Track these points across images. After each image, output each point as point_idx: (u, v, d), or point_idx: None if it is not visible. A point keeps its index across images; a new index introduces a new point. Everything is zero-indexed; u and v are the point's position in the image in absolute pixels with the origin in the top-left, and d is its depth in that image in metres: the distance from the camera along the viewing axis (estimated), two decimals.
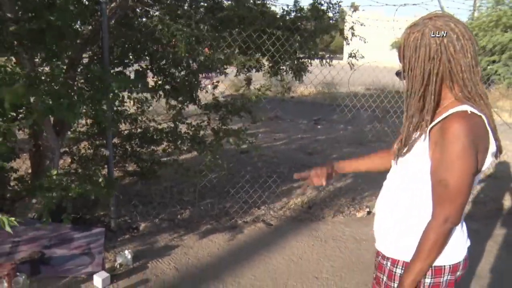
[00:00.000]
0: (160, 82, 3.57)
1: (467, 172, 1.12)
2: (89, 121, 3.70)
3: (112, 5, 3.10)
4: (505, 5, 12.22)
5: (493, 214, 4.02)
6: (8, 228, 1.77)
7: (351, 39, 4.25)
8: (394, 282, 1.30)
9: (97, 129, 3.61)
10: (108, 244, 3.00)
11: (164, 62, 3.53)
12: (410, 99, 1.22)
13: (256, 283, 2.70)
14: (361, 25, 4.26)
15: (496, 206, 4.22)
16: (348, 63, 4.21)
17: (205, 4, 3.87)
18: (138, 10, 3.64)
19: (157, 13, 3.36)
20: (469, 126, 1.10)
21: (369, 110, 5.25)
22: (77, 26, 3.09)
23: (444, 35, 1.14)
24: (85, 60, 3.36)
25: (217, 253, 3.04)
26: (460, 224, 1.23)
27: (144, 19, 3.65)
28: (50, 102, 2.36)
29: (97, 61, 3.27)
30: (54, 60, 2.57)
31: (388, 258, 1.32)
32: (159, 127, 3.90)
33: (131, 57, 3.45)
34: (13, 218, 1.79)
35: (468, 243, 1.30)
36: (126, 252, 2.78)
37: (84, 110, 2.71)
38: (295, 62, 3.99)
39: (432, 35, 1.14)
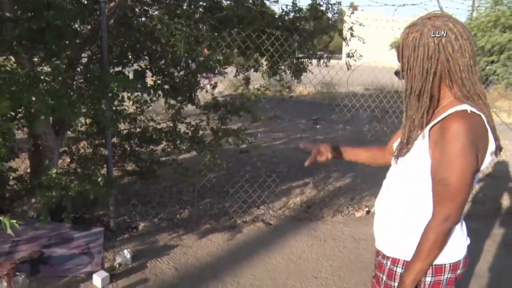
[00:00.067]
0: (159, 81, 3.57)
1: (467, 171, 1.12)
2: (88, 120, 3.70)
3: (111, 4, 3.11)
4: (504, 6, 12.27)
5: (491, 214, 4.03)
6: (9, 230, 1.77)
7: (349, 40, 4.25)
8: (394, 281, 1.30)
9: (96, 128, 3.61)
10: (107, 243, 3.01)
11: (163, 62, 3.53)
12: (409, 99, 1.23)
13: (255, 283, 2.71)
14: (360, 25, 4.26)
15: (494, 206, 4.23)
16: (346, 63, 4.21)
17: (204, 4, 3.86)
18: (137, 9, 3.64)
19: (156, 12, 3.36)
20: (468, 125, 1.10)
21: (368, 110, 5.26)
22: (76, 26, 3.08)
23: (443, 35, 1.14)
24: (84, 60, 3.35)
25: (216, 253, 3.04)
26: (460, 223, 1.23)
27: (143, 19, 3.65)
28: (51, 102, 2.36)
29: (96, 61, 3.26)
30: (53, 59, 2.57)
31: (388, 257, 1.33)
32: (158, 126, 3.90)
33: (130, 56, 3.44)
34: (14, 220, 1.79)
35: (468, 241, 1.31)
36: (125, 251, 2.78)
37: (83, 110, 2.70)
38: (294, 62, 4.00)
39: (431, 35, 1.15)
